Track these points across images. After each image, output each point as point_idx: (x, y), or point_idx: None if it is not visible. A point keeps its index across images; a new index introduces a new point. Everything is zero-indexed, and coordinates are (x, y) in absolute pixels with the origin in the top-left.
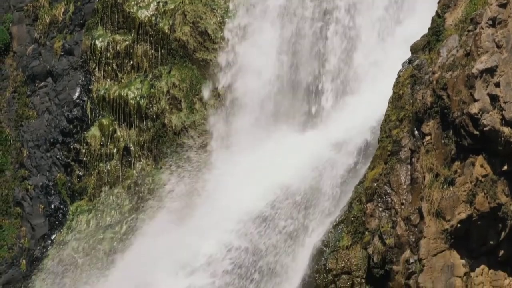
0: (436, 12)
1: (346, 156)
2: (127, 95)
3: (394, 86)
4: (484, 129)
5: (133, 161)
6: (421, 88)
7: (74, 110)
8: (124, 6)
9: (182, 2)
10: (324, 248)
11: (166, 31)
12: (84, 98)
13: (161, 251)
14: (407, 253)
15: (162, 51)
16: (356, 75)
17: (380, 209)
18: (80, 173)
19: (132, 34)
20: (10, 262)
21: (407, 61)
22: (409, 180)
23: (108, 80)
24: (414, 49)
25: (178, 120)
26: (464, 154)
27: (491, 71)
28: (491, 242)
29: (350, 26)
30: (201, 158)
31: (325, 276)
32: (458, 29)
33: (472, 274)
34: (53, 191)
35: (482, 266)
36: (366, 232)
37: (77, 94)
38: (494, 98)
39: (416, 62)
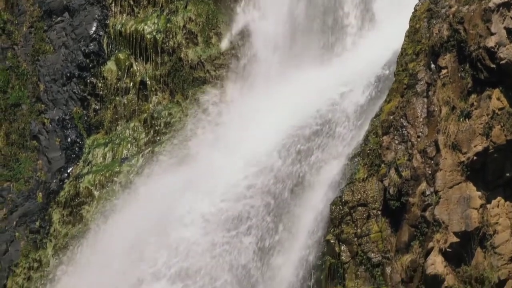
0: None
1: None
2: (143, 29)
3: (410, 20)
4: (501, 62)
5: (149, 95)
6: (437, 22)
7: (91, 44)
8: None
9: None
10: (340, 181)
11: None
12: (101, 33)
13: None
14: (423, 185)
15: None
16: (373, 12)
17: (396, 141)
18: (97, 107)
19: None
20: (26, 195)
21: None
22: (425, 113)
23: (125, 15)
24: None
25: (194, 54)
26: (481, 87)
27: (507, 4)
28: (507, 175)
29: None
30: (217, 92)
31: (341, 208)
32: None
33: (488, 206)
34: (69, 125)
35: (498, 198)
36: (382, 165)
37: (93, 29)
38: (510, 32)
39: None
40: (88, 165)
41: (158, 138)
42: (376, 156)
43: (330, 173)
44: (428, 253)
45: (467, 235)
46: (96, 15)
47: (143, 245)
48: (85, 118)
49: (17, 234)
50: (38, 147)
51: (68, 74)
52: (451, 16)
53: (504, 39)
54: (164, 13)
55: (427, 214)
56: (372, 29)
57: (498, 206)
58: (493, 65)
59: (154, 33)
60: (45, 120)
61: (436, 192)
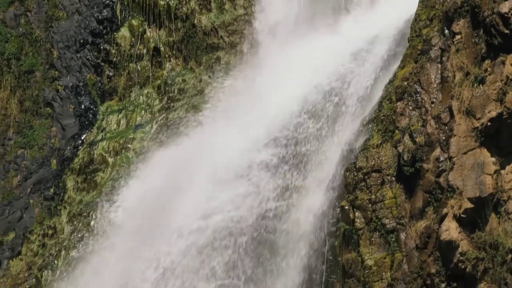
0: None
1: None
2: None
3: None
4: None
5: (162, 62)
6: None
7: (104, 11)
8: None
9: None
10: (355, 147)
11: None
12: None
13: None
14: (437, 151)
15: None
16: None
17: (410, 107)
18: (110, 74)
19: None
20: (41, 162)
21: None
22: (439, 79)
23: None
24: None
25: (207, 21)
26: (495, 52)
27: None
28: None
29: None
30: (230, 58)
31: (355, 174)
32: None
33: (502, 171)
34: (83, 92)
35: None
36: (396, 131)
37: None
38: None
39: None
40: (102, 131)
41: (172, 104)
42: (390, 122)
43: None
44: (442, 219)
45: (481, 201)
46: None
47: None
48: (99, 84)
49: (31, 201)
50: (52, 114)
51: (82, 41)
52: None
53: None
54: None
55: (441, 180)
56: None
57: None
58: (506, 31)
59: None
60: (59, 87)
61: (450, 158)
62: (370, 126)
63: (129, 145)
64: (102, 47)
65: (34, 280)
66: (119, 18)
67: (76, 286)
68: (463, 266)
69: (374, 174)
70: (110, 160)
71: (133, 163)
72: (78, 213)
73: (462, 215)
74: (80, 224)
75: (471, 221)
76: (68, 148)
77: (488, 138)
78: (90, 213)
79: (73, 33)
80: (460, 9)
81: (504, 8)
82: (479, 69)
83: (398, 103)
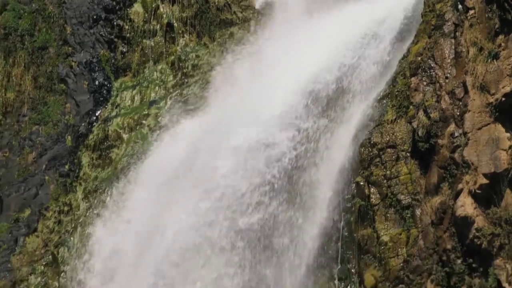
0: None
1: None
2: None
3: None
4: None
5: (176, 37)
6: None
7: None
8: None
9: None
10: (369, 122)
11: None
12: None
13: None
14: (451, 127)
15: None
16: None
17: (424, 83)
18: (124, 50)
19: None
20: (55, 138)
21: None
22: (453, 54)
23: None
24: None
25: None
26: (508, 27)
27: None
28: None
29: None
30: (244, 34)
31: (370, 150)
32: None
33: None
34: (97, 68)
35: None
36: (411, 106)
37: None
38: None
39: None
40: (116, 108)
41: (186, 80)
42: (405, 98)
43: None
44: (457, 194)
45: (496, 176)
46: None
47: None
48: (113, 60)
49: (46, 177)
50: (66, 90)
51: (95, 17)
52: None
53: None
54: None
55: (456, 155)
56: None
57: None
58: None
59: None
60: (73, 63)
61: (464, 133)
62: (384, 101)
63: (144, 121)
64: (115, 23)
65: (50, 257)
66: None
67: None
68: (478, 242)
69: (389, 149)
70: (125, 136)
71: (147, 139)
72: (94, 190)
73: (477, 191)
74: (96, 201)
75: (486, 197)
76: (83, 124)
77: (503, 114)
78: (106, 190)
79: (86, 9)
80: None
81: None
82: (493, 44)
83: (412, 78)
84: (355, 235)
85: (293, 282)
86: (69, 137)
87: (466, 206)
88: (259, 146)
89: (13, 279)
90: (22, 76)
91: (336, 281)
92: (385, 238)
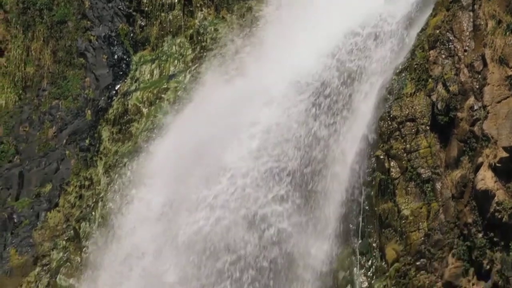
0: None
1: None
2: None
3: None
4: None
5: (194, 11)
6: None
7: None
8: None
9: None
10: (388, 96)
11: None
12: None
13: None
14: (471, 100)
15: None
16: None
17: (443, 56)
18: (142, 23)
19: None
20: (75, 113)
21: None
22: (471, 27)
23: None
24: None
25: None
26: None
27: None
28: None
29: None
30: (262, 7)
31: (390, 123)
32: None
33: None
34: (116, 41)
35: None
36: (430, 79)
37: None
38: None
39: None
40: (135, 82)
41: (205, 54)
42: (423, 71)
43: None
44: (477, 168)
45: None
46: None
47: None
48: (131, 34)
49: (67, 152)
50: (85, 64)
51: None
52: None
53: None
54: None
55: (475, 129)
56: None
57: None
58: None
59: None
60: (91, 37)
61: (484, 106)
62: (403, 74)
63: (163, 95)
64: None
65: (72, 231)
66: None
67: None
68: (499, 216)
69: (408, 123)
70: (145, 110)
71: (167, 112)
72: (114, 164)
73: (497, 165)
74: (116, 175)
75: (506, 170)
76: (102, 98)
77: None
78: (126, 164)
79: None
80: None
81: None
82: (511, 17)
83: (431, 51)
84: (375, 209)
85: (318, 254)
86: (89, 111)
87: (486, 179)
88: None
89: (35, 254)
90: (41, 50)
91: (358, 255)
92: (406, 212)
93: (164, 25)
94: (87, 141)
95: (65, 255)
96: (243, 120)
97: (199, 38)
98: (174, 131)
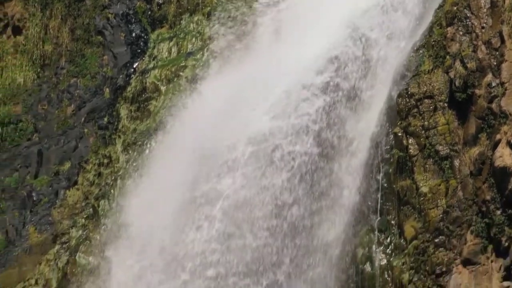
0: None
1: None
2: None
3: None
4: None
5: None
6: None
7: None
8: None
9: None
10: (406, 73)
11: None
12: None
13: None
14: (488, 77)
15: None
16: None
17: (461, 33)
18: (160, 1)
19: None
20: (93, 91)
21: None
22: (488, 4)
23: None
24: None
25: None
26: None
27: None
28: None
29: None
30: None
31: (408, 100)
32: None
33: None
34: (133, 19)
35: None
36: (447, 56)
37: None
38: None
39: None
40: (153, 59)
41: (223, 32)
42: (441, 48)
43: None
44: (495, 145)
45: None
46: None
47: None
48: (149, 12)
49: (85, 130)
50: (103, 42)
51: None
52: None
53: None
54: None
55: (493, 105)
56: None
57: None
58: None
59: None
60: (109, 15)
61: (502, 83)
62: (420, 51)
63: (181, 73)
64: None
65: (91, 209)
66: None
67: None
68: None
69: (426, 100)
70: (163, 88)
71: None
72: (133, 142)
73: None
74: (135, 153)
75: None
76: (121, 76)
77: None
78: (145, 142)
79: None
80: None
81: None
82: None
83: (448, 28)
84: (394, 186)
85: (336, 232)
86: (107, 89)
87: (504, 156)
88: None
89: (54, 232)
90: (59, 28)
91: (376, 233)
92: (424, 189)
93: (182, 3)
94: (105, 119)
95: (84, 233)
96: (263, 93)
97: (217, 15)
98: (191, 108)
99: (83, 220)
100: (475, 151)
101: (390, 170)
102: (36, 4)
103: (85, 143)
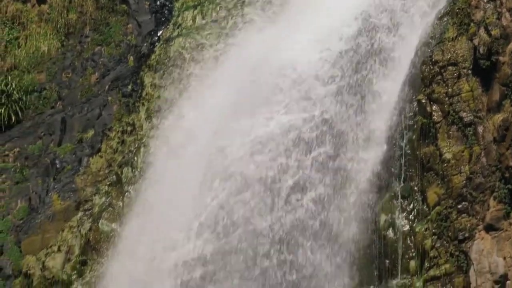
0: None
1: None
2: None
3: None
4: None
5: None
6: None
7: None
8: None
9: None
10: (430, 40)
11: None
12: None
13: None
14: None
15: None
16: None
17: (485, 0)
18: None
19: None
20: (117, 59)
21: None
22: None
23: None
24: None
25: None
26: None
27: None
28: None
29: None
30: None
31: (432, 67)
32: None
33: None
34: None
35: None
36: (471, 24)
37: None
38: None
39: None
40: (178, 28)
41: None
42: (465, 15)
43: None
44: None
45: None
46: None
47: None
48: None
49: (109, 98)
50: (128, 11)
51: None
52: None
53: None
54: None
55: None
56: None
57: None
58: None
59: None
60: None
61: None
62: (445, 19)
63: (205, 41)
64: None
65: (114, 177)
66: None
67: None
68: None
69: (450, 67)
70: (187, 56)
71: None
72: (156, 110)
73: None
74: (159, 121)
75: None
76: (145, 44)
77: None
78: (169, 109)
79: None
80: None
81: None
82: None
83: None
84: (417, 153)
85: (357, 199)
86: (131, 57)
87: None
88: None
89: (77, 199)
90: None
91: (399, 199)
92: (448, 156)
93: None
94: (129, 87)
95: (107, 200)
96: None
97: None
98: (217, 75)
99: (106, 187)
100: (498, 117)
101: (414, 136)
102: None
103: (108, 110)
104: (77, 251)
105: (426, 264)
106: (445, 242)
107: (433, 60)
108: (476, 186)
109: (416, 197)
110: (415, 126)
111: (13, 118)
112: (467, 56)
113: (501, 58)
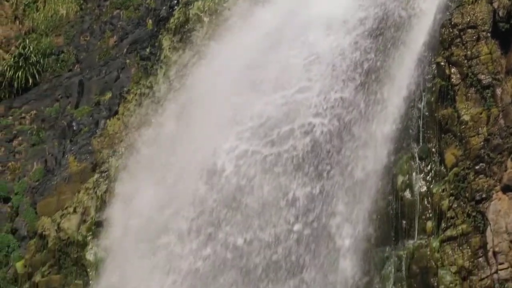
0: None
1: None
2: None
3: None
4: None
5: None
6: None
7: None
8: None
9: None
10: (450, 4)
11: None
12: None
13: None
14: None
15: None
16: None
17: None
18: None
19: None
20: (136, 22)
21: None
22: None
23: None
24: None
25: None
26: None
27: None
28: None
29: None
30: None
31: (451, 30)
32: None
33: None
34: None
35: None
36: None
37: None
38: None
39: None
40: None
41: None
42: None
43: None
44: None
45: None
46: None
47: None
48: None
49: (127, 61)
50: None
51: None
52: None
53: None
54: None
55: None
56: None
57: None
58: None
59: None
60: None
61: None
62: None
63: (225, 4)
64: None
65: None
66: None
67: None
68: None
69: (469, 30)
70: (206, 19)
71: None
72: (175, 73)
73: None
74: (177, 83)
75: None
76: (164, 8)
77: None
78: (187, 73)
79: None
80: None
81: None
82: None
83: None
84: (435, 114)
85: (374, 157)
86: (150, 20)
87: None
88: None
89: (94, 161)
90: None
91: (417, 160)
92: (466, 118)
93: None
94: (147, 50)
95: (124, 161)
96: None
97: None
98: (235, 37)
99: (123, 150)
100: None
101: (432, 99)
102: None
103: (126, 73)
104: (92, 212)
105: (443, 225)
106: (462, 203)
107: (453, 23)
108: (493, 148)
109: (433, 159)
110: (434, 89)
111: (31, 80)
112: (486, 19)
113: None
